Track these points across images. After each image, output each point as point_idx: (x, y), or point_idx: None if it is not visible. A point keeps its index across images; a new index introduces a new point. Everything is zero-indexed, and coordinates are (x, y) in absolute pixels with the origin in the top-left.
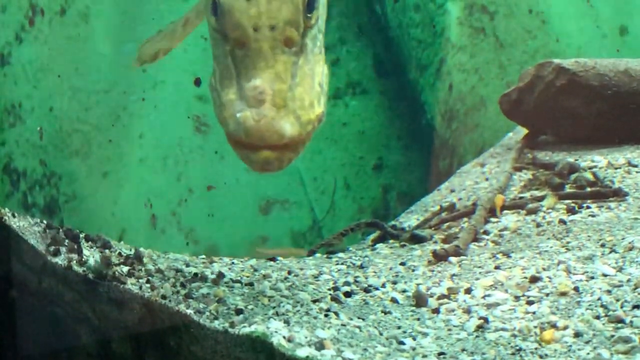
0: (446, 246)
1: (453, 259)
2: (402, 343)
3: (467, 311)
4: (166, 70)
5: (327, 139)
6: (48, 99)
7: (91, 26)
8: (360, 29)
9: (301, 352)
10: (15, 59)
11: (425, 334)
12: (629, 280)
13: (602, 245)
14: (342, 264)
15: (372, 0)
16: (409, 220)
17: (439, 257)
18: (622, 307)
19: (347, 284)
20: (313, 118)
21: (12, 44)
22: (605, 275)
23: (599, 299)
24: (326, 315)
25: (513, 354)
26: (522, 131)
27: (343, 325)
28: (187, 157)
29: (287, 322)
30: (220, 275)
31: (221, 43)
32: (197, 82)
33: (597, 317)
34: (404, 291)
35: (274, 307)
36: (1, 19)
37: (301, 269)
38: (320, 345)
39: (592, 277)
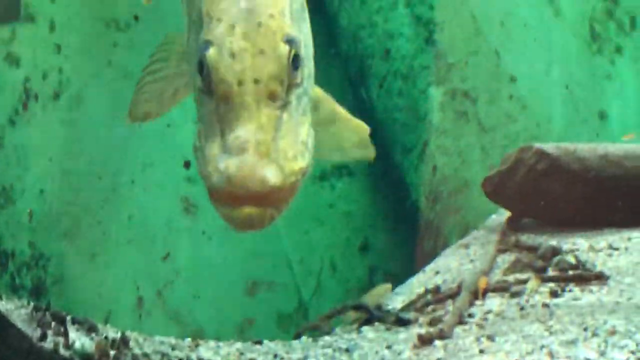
0: (431, 329)
1: (438, 342)
2: None
3: None
4: (156, 153)
5: (314, 219)
6: (39, 182)
7: (84, 110)
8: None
9: None
10: (8, 142)
11: None
12: None
13: (585, 329)
14: (328, 347)
15: (357, 85)
16: (395, 302)
17: (425, 341)
18: None
19: None
20: (296, 169)
21: (5, 128)
22: (587, 359)
23: None
24: None
25: None
26: (505, 213)
27: None
28: (174, 238)
29: None
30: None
31: (206, 101)
32: (187, 164)
33: None
34: None
35: None
36: None
37: (287, 353)
38: None
39: None
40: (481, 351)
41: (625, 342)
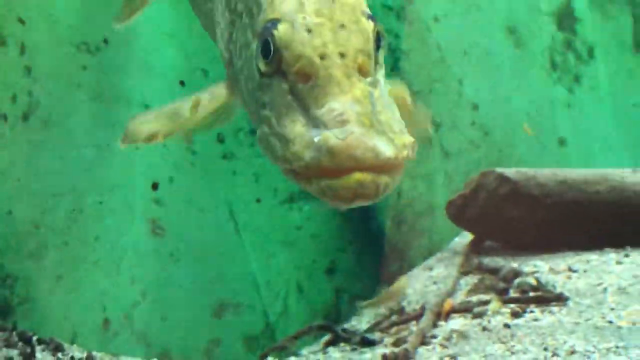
0: (395, 350)
1: None
2: None
3: None
4: (124, 175)
5: (281, 242)
6: (6, 203)
7: (53, 132)
8: None
9: None
10: None
11: None
12: None
13: (545, 349)
14: None
15: None
16: (360, 323)
17: None
18: None
19: None
20: (407, 143)
21: None
22: None
23: None
24: None
25: None
26: (469, 236)
27: None
28: (142, 260)
29: None
30: None
31: (275, 85)
32: (155, 186)
33: None
34: None
35: None
36: None
37: None
38: None
39: None
40: None
41: None
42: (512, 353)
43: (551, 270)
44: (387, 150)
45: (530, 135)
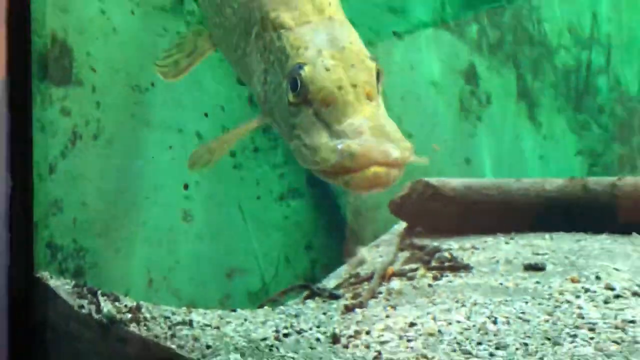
0: (354, 301)
1: (358, 310)
2: None
3: (367, 347)
4: (164, 178)
5: (274, 227)
6: (81, 197)
7: (114, 148)
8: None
9: None
10: (60, 168)
11: None
12: (474, 325)
13: (457, 302)
14: (282, 313)
15: None
16: (329, 284)
17: (349, 309)
18: (470, 343)
19: (285, 327)
20: (409, 147)
21: (58, 158)
22: (458, 322)
23: (455, 338)
24: (270, 350)
25: None
26: (404, 224)
27: (282, 356)
28: (176, 238)
29: (242, 354)
30: (194, 322)
31: (302, 111)
32: (186, 186)
33: (454, 351)
34: (325, 333)
35: (233, 344)
36: (52, 141)
37: (253, 317)
38: None
39: (450, 323)
40: (387, 316)
41: (483, 310)
42: (434, 304)
43: (460, 247)
44: (394, 152)
45: (437, 151)
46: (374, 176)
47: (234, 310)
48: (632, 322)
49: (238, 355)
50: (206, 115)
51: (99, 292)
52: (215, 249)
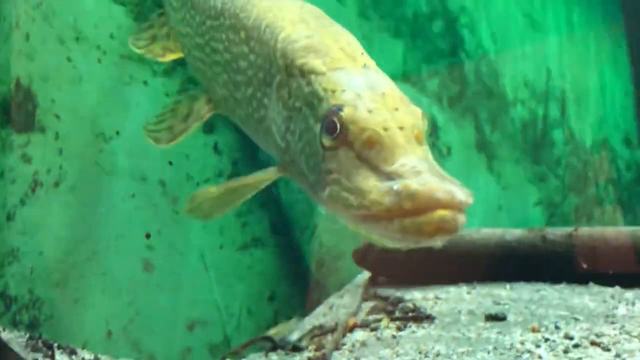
0: (317, 354)
1: None
2: None
3: None
4: (125, 227)
5: (237, 277)
6: (39, 246)
7: (76, 195)
8: (262, 204)
9: None
10: (18, 216)
11: None
12: None
13: (420, 352)
14: None
15: (270, 185)
16: (293, 335)
17: None
18: None
19: None
20: (471, 192)
21: (17, 206)
22: None
23: None
24: None
25: None
26: (368, 274)
27: None
28: (136, 288)
29: None
30: None
31: (341, 154)
32: (148, 235)
33: None
34: None
35: None
36: (11, 188)
37: None
38: None
39: None
40: None
41: None
42: (397, 355)
43: (424, 298)
44: (461, 194)
45: None
46: (440, 220)
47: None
48: None
49: None
50: (170, 163)
51: (55, 345)
52: (176, 300)
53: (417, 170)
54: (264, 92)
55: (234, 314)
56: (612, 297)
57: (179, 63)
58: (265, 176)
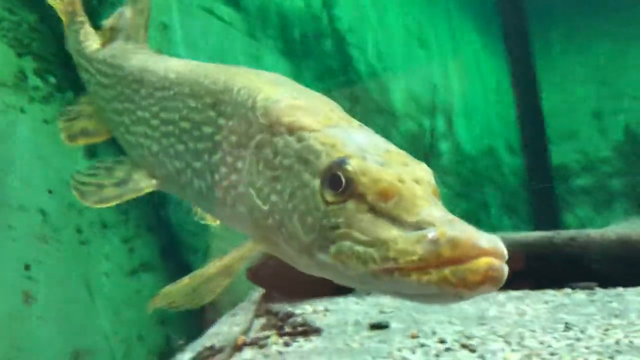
0: None
1: None
2: None
3: None
4: (3, 259)
5: (125, 302)
6: None
7: None
8: (150, 228)
9: None
10: None
11: None
12: None
13: None
14: None
15: (158, 207)
16: (185, 357)
17: None
18: None
19: None
20: (503, 245)
21: None
22: None
23: None
24: None
25: None
26: (261, 290)
27: None
28: (15, 322)
29: None
30: None
31: (349, 208)
32: (27, 267)
33: None
34: None
35: None
36: None
37: None
38: None
39: None
40: None
41: None
42: None
43: (314, 311)
44: (500, 244)
45: None
46: (489, 267)
47: None
48: None
49: None
50: (50, 192)
51: None
52: (60, 331)
53: (450, 219)
54: (236, 156)
55: (123, 340)
56: (486, 299)
57: (58, 89)
58: (242, 253)
